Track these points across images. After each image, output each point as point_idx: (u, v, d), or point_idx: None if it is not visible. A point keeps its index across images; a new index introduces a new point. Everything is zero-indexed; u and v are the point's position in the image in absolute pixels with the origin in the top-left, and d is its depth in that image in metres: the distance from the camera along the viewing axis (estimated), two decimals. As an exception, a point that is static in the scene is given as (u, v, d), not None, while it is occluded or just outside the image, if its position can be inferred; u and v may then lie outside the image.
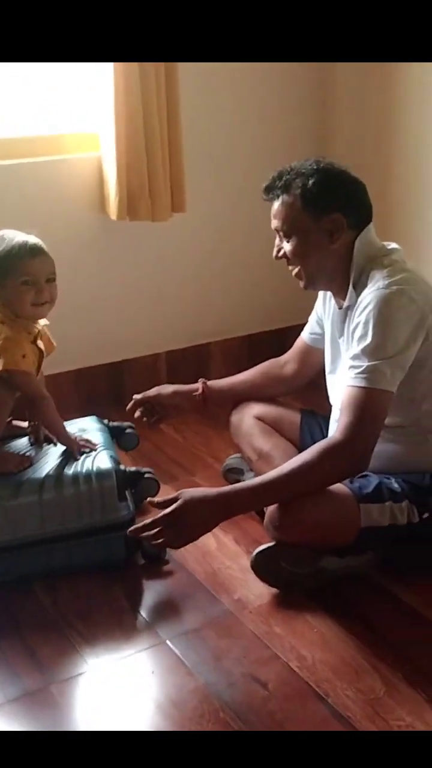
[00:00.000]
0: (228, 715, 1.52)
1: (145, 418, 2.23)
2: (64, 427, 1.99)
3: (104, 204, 2.58)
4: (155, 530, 1.75)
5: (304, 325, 2.20)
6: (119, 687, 1.61)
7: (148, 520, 1.78)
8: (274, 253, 1.91)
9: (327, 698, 1.55)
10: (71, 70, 2.55)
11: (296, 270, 1.89)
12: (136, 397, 2.23)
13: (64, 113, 2.61)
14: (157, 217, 2.57)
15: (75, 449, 1.97)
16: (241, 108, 2.83)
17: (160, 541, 1.76)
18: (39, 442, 2.02)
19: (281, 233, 1.88)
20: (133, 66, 2.39)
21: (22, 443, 2.02)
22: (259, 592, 1.85)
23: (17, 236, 1.87)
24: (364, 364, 1.74)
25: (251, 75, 2.80)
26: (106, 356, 2.79)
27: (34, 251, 1.86)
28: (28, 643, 1.72)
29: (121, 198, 2.50)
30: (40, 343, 1.96)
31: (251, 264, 2.93)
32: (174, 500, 1.76)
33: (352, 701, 1.55)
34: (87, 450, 1.98)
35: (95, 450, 1.98)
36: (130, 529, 1.81)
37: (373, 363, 1.73)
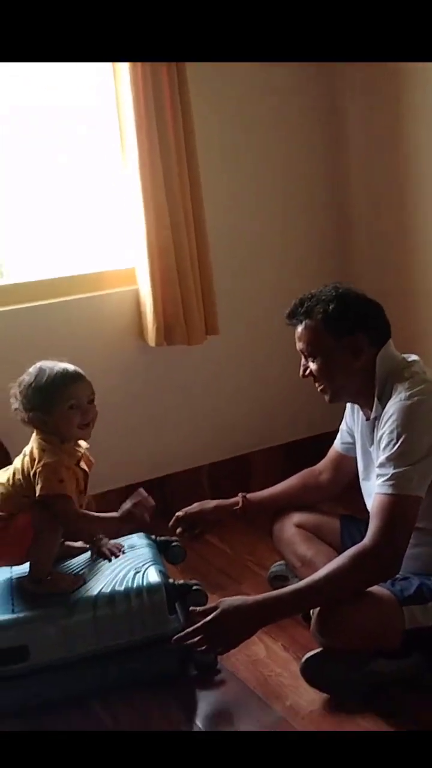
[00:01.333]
0: None
1: (186, 533, 2.32)
2: (113, 518, 2.05)
3: (143, 332, 2.77)
4: (197, 638, 1.83)
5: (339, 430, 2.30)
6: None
7: (190, 629, 1.86)
8: (301, 372, 2.04)
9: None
10: (108, 208, 2.81)
11: (321, 386, 2.02)
12: (179, 514, 2.33)
13: (105, 252, 2.84)
14: (192, 341, 2.75)
15: (135, 515, 2.02)
16: (267, 233, 3.04)
17: (203, 647, 1.84)
18: (103, 555, 2.12)
19: (306, 354, 2.01)
20: (162, 200, 2.62)
21: (75, 563, 2.12)
22: (310, 698, 1.89)
23: (56, 366, 2.02)
24: (390, 471, 1.83)
25: (276, 200, 3.04)
26: (150, 472, 2.91)
27: (75, 377, 2.01)
28: (88, 759, 1.78)
29: (158, 326, 2.69)
30: (83, 465, 2.08)
31: (285, 376, 3.07)
32: (214, 608, 1.85)
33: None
34: (118, 554, 2.10)
35: (123, 553, 2.10)
36: (174, 637, 1.89)
37: (399, 470, 1.82)
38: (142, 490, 2.07)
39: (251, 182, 2.99)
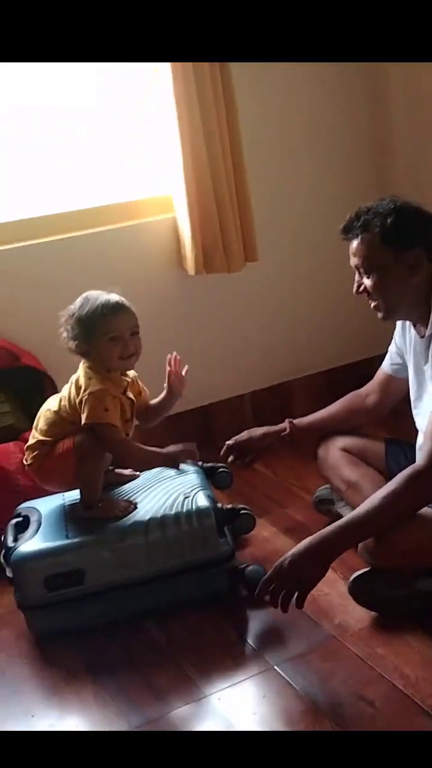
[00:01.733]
0: (339, 733, 1.60)
1: (238, 461, 2.34)
2: (158, 454, 2.10)
3: (181, 260, 2.75)
4: (272, 586, 1.80)
5: (380, 356, 2.28)
6: (234, 711, 1.72)
7: (266, 576, 1.83)
8: (354, 288, 1.98)
9: (433, 713, 1.62)
10: (142, 137, 2.76)
11: (375, 303, 1.97)
12: (229, 442, 2.34)
13: (140, 180, 2.80)
14: (231, 269, 2.73)
15: (179, 458, 2.10)
16: (303, 157, 2.97)
17: (283, 593, 1.80)
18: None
19: (361, 270, 1.96)
20: (198, 126, 2.57)
21: (126, 489, 2.17)
22: (358, 616, 1.93)
23: (100, 296, 2.03)
24: None
25: (312, 122, 2.96)
26: (194, 401, 2.93)
27: (116, 308, 2.01)
28: (145, 676, 1.84)
29: (197, 254, 2.67)
30: (130, 394, 2.10)
31: (324, 302, 3.05)
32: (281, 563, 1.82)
33: (457, 715, 1.61)
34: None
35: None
36: (256, 593, 1.85)
37: None
38: (193, 444, 2.14)
39: (289, 106, 2.91)
